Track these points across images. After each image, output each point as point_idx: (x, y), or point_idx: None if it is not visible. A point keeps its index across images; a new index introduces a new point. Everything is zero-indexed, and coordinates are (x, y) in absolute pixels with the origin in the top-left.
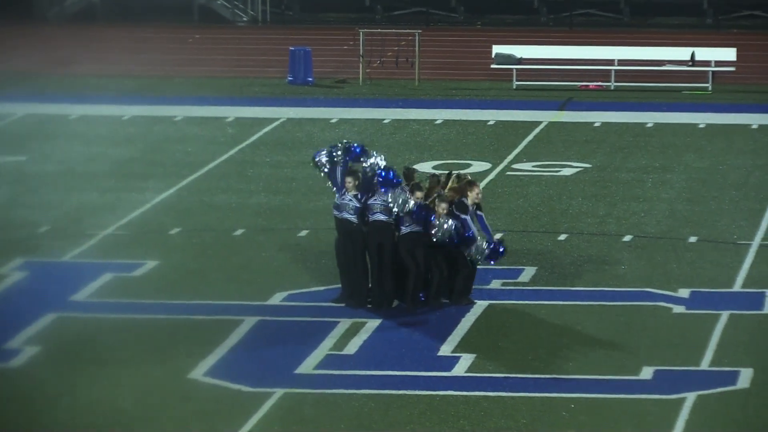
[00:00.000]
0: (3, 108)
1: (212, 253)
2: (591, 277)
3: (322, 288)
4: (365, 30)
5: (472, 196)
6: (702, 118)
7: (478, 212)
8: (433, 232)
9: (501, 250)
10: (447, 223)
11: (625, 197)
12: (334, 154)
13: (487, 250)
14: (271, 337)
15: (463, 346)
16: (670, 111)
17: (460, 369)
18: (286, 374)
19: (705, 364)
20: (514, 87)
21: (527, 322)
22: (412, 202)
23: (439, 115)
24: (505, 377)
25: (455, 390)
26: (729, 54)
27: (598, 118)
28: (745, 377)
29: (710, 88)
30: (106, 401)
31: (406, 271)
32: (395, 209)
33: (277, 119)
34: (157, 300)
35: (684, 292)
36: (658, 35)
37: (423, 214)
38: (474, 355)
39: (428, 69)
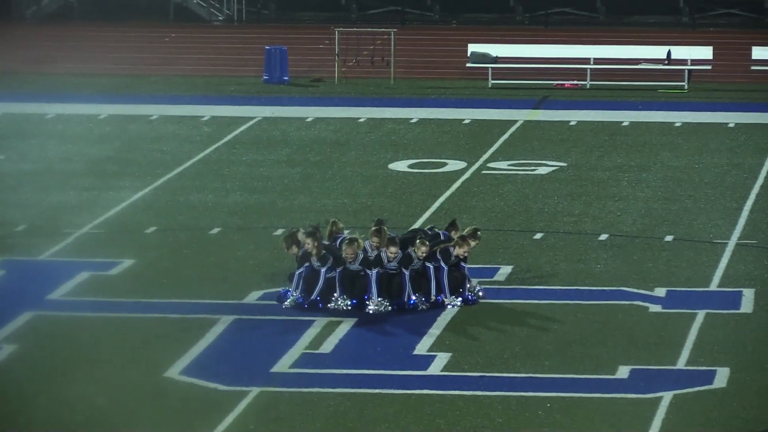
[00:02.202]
0: None
1: (188, 252)
2: (567, 276)
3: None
4: (341, 29)
5: (460, 251)
6: (678, 117)
7: (462, 264)
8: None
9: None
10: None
11: (601, 196)
12: None
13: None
14: (247, 335)
15: (438, 345)
16: (646, 110)
17: (435, 368)
18: (262, 373)
19: (681, 364)
20: (490, 86)
21: (503, 321)
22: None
23: (415, 113)
24: (480, 376)
25: (431, 389)
26: (705, 52)
27: (573, 116)
28: (722, 376)
29: (686, 87)
30: (83, 400)
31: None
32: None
33: (253, 118)
34: (133, 299)
35: (660, 291)
36: (634, 34)
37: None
38: (450, 354)
39: (404, 68)
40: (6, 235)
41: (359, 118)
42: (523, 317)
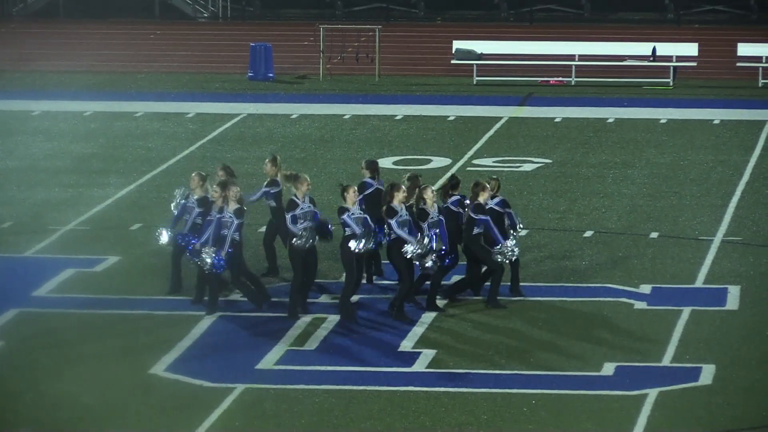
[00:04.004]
0: None
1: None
2: (552, 273)
3: (282, 284)
4: (326, 26)
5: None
6: (663, 114)
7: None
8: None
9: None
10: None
11: (586, 193)
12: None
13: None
14: (232, 332)
15: (423, 342)
16: (631, 106)
17: (420, 365)
18: (247, 370)
19: (667, 360)
20: (475, 82)
21: (488, 318)
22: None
23: (400, 110)
24: (465, 373)
25: (416, 386)
26: (690, 49)
27: (558, 113)
28: (707, 373)
29: (672, 84)
30: (69, 397)
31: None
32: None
33: (238, 115)
34: (118, 295)
35: (645, 288)
36: (619, 30)
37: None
38: (435, 351)
39: (388, 64)
40: None
41: (344, 115)
42: (508, 314)
